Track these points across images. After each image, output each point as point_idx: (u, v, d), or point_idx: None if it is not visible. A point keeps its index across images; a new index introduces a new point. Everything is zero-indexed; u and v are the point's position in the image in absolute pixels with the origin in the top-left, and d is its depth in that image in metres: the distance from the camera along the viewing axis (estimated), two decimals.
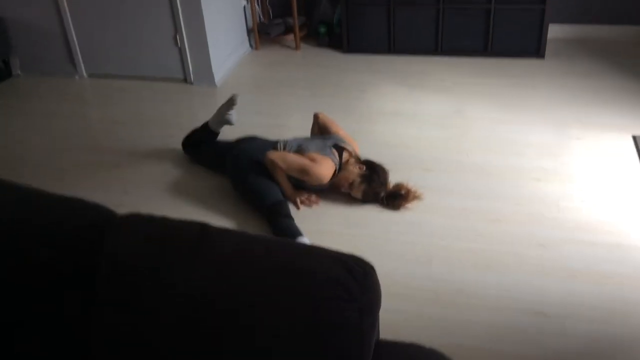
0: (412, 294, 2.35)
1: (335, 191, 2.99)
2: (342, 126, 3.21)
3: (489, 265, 2.48)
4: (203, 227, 1.40)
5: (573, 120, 3.51)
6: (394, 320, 2.15)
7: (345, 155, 2.97)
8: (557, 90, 3.90)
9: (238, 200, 2.97)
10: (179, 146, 3.38)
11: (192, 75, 4.34)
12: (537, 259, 2.49)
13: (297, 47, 4.88)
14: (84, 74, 4.56)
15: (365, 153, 3.21)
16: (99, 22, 4.31)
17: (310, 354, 1.13)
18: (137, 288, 1.32)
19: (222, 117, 3.23)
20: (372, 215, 2.84)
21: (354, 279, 1.21)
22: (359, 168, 2.91)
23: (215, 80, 4.30)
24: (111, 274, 1.37)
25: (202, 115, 4.00)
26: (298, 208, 2.89)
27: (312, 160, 2.85)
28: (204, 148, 3.27)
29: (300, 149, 2.94)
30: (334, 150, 2.94)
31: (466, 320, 2.22)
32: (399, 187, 2.88)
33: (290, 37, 4.93)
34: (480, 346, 2.12)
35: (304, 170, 2.83)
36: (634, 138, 3.27)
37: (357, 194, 2.88)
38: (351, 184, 2.88)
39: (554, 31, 4.54)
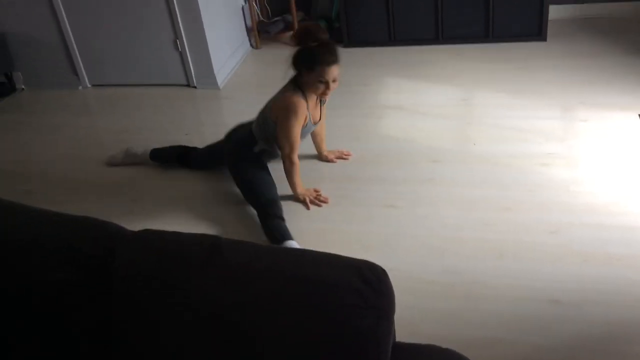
0: (426, 289, 2.35)
1: (341, 184, 3.00)
2: (347, 122, 3.20)
3: (501, 254, 2.48)
4: (214, 241, 1.41)
5: (578, 102, 3.50)
6: (409, 318, 2.16)
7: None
8: (561, 72, 3.88)
9: (244, 204, 3.00)
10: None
11: (194, 79, 4.35)
12: (550, 245, 2.48)
13: None
14: (87, 84, 4.59)
15: (371, 148, 3.23)
16: (99, 32, 4.32)
17: None
18: (149, 304, 1.33)
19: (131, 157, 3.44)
20: (380, 211, 2.84)
21: (367, 285, 1.22)
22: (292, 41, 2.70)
23: (218, 83, 4.30)
24: (124, 292, 1.38)
25: (207, 118, 4.03)
26: (308, 208, 2.90)
27: (280, 111, 2.75)
28: (197, 157, 3.28)
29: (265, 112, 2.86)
30: (290, 84, 2.79)
31: (481, 312, 2.23)
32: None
33: (290, 34, 4.92)
34: (497, 337, 2.12)
35: (292, 124, 2.72)
36: None
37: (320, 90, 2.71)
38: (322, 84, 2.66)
39: (555, 12, 4.51)
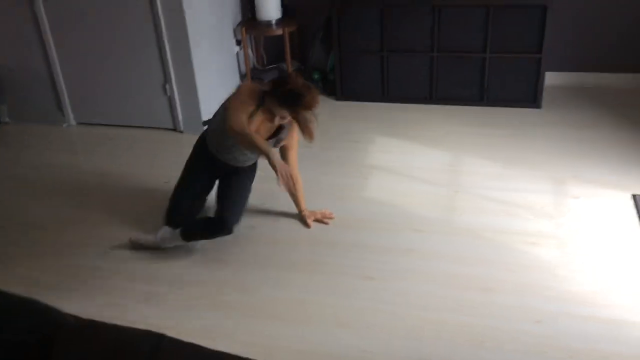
0: None
1: (320, 249, 2.88)
2: (332, 180, 3.11)
3: (482, 341, 2.34)
4: (158, 341, 1.29)
5: (570, 177, 3.40)
6: None
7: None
8: (554, 143, 3.79)
9: (214, 268, 2.88)
10: (165, 203, 3.25)
11: (181, 124, 4.26)
12: (533, 336, 2.35)
13: None
14: (73, 122, 4.49)
15: (354, 210, 3.13)
16: (88, 70, 4.25)
17: None
18: None
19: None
20: (358, 283, 2.70)
21: None
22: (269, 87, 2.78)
23: None
24: None
25: None
26: (309, 226, 3.04)
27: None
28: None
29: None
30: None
31: None
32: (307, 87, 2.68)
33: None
34: None
35: (239, 102, 2.80)
36: (634, 197, 3.15)
37: (285, 115, 2.72)
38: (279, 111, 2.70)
39: (551, 78, 4.45)
